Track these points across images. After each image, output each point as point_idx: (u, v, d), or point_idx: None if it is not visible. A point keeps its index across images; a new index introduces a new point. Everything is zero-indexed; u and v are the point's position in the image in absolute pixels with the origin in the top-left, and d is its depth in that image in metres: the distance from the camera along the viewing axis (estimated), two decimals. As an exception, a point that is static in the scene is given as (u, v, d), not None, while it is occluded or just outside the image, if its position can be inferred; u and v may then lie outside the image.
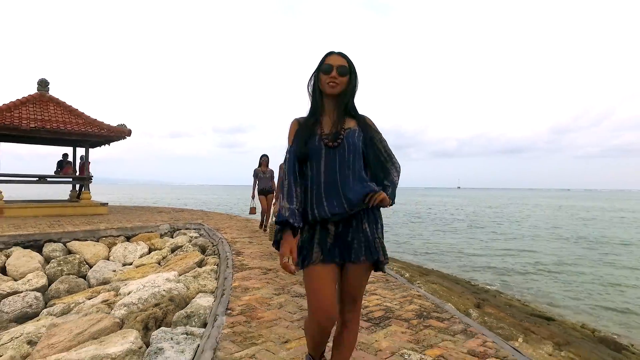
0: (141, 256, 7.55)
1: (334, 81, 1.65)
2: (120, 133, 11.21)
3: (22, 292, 5.88)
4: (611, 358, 4.91)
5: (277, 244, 1.62)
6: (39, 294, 5.97)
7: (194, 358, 2.49)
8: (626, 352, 5.46)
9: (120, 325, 3.57)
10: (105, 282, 6.38)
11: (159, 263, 6.95)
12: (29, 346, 3.71)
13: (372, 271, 1.74)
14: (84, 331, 3.39)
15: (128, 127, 11.29)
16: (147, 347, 2.90)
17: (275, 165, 8.08)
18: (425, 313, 3.25)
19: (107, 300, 4.81)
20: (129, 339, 2.95)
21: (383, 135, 1.80)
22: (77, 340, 3.26)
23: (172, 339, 2.90)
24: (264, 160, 7.95)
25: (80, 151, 12.65)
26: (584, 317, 7.59)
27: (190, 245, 7.43)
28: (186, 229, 9.43)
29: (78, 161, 12.70)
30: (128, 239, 8.36)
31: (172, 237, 8.89)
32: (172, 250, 7.55)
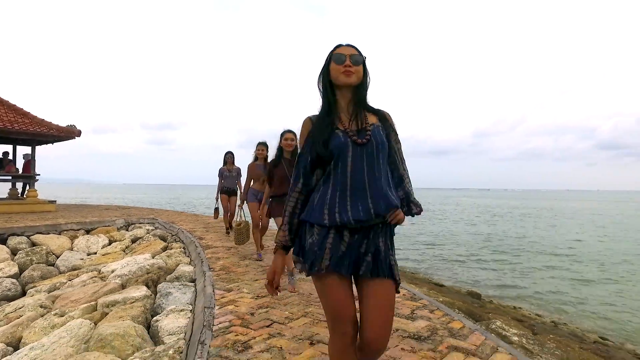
0: (103, 247, 8.44)
1: (349, 69, 1.51)
2: (69, 133, 11.66)
3: (-3, 278, 6.62)
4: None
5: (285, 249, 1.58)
6: (14, 280, 6.75)
7: (195, 296, 3.88)
8: None
9: (124, 287, 4.77)
10: (75, 268, 7.26)
11: (124, 251, 7.94)
12: (43, 309, 4.76)
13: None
14: (98, 290, 4.57)
15: (78, 127, 11.78)
16: (156, 295, 4.21)
17: (243, 163, 7.09)
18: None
19: (94, 277, 5.86)
20: (142, 290, 4.24)
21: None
22: (95, 296, 4.43)
23: (173, 287, 4.23)
24: (229, 157, 7.43)
25: (22, 149, 12.77)
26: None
27: (150, 236, 8.49)
28: (140, 223, 10.32)
29: (21, 159, 12.78)
30: (88, 232, 9.12)
31: (128, 231, 9.77)
32: (133, 241, 8.54)
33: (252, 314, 3.01)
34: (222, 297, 3.44)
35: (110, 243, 8.74)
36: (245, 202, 5.60)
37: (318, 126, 1.53)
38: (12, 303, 5.23)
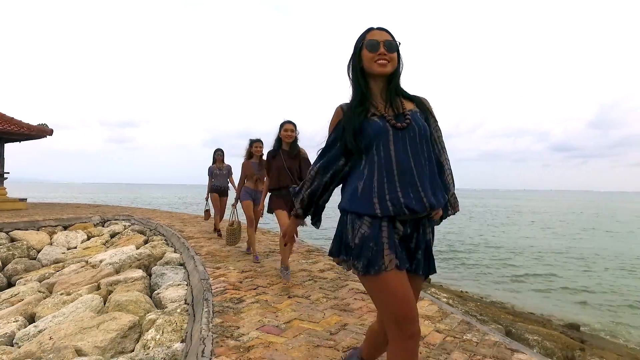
0: (83, 241, 8.84)
1: (384, 58, 1.42)
2: (41, 132, 11.81)
3: (-19, 271, 6.97)
4: None
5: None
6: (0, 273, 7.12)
7: (188, 274, 4.57)
8: None
9: (118, 272, 5.36)
10: (58, 261, 7.68)
11: (104, 245, 8.40)
12: (42, 294, 5.28)
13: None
14: (96, 275, 5.15)
15: (49, 126, 11.92)
16: (151, 277, 4.86)
17: (236, 162, 7.64)
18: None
19: (84, 266, 6.38)
20: (138, 272, 4.89)
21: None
22: (95, 279, 5.02)
23: (166, 269, 4.91)
24: (219, 155, 7.12)
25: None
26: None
27: (129, 231, 8.97)
28: (115, 219, 10.72)
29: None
30: (65, 228, 9.46)
31: (104, 227, 10.15)
32: (112, 236, 8.99)
33: (241, 282, 3.79)
34: (213, 273, 4.18)
35: (89, 238, 9.13)
36: (238, 200, 5.38)
37: (349, 115, 1.44)
38: (5, 291, 5.69)
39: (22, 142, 12.96)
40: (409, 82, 1.55)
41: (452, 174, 1.53)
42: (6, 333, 3.64)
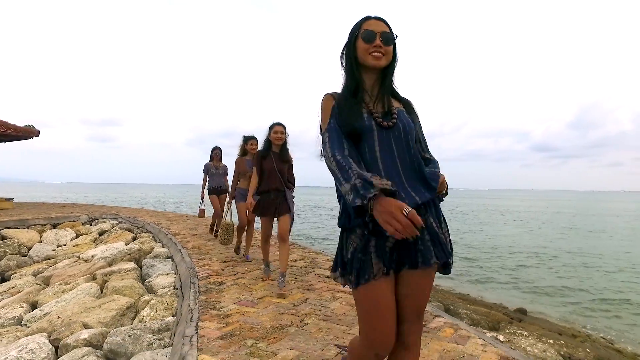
0: (72, 239, 9.26)
1: (379, 51, 1.35)
2: (28, 133, 12.09)
3: (-25, 267, 7.35)
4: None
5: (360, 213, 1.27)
6: (-8, 269, 7.52)
7: (176, 265, 5.13)
8: None
9: (110, 265, 5.87)
10: (48, 258, 8.11)
11: (93, 242, 8.84)
12: (39, 285, 5.75)
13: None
14: (90, 267, 5.66)
15: (36, 127, 12.22)
16: (142, 268, 5.40)
17: (229, 161, 6.78)
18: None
19: (76, 261, 6.85)
20: (130, 264, 5.42)
21: None
22: (89, 271, 5.52)
23: (155, 262, 5.45)
24: (216, 153, 6.89)
25: (-25, 148, 12.90)
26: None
27: (117, 229, 9.43)
28: (103, 218, 11.12)
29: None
30: (54, 226, 9.84)
31: (92, 225, 10.56)
32: (100, 234, 9.43)
33: (223, 270, 4.39)
34: (198, 263, 4.76)
35: (77, 236, 9.54)
36: (233, 200, 5.25)
37: (346, 106, 1.38)
38: (2, 285, 6.13)
39: (6, 142, 13.20)
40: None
41: (438, 166, 1.47)
42: (15, 316, 4.15)
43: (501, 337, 3.27)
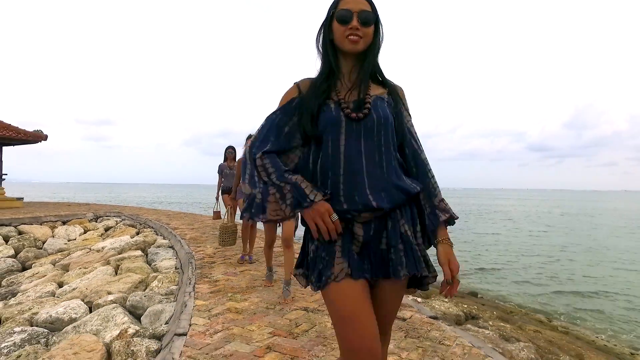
0: (81, 234, 10.31)
1: (356, 33, 1.19)
2: (37, 138, 13.12)
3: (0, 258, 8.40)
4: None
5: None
6: (14, 259, 8.57)
7: (177, 252, 6.20)
8: None
9: (120, 254, 6.92)
10: (61, 250, 9.16)
11: (100, 237, 9.90)
12: (60, 271, 6.80)
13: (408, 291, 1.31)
14: (104, 255, 6.72)
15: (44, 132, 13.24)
16: (147, 256, 6.46)
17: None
18: None
19: (88, 252, 7.90)
20: (138, 252, 6.49)
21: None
22: (103, 258, 6.58)
23: (159, 250, 6.52)
24: (230, 153, 6.74)
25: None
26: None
27: (121, 225, 10.49)
28: (107, 216, 12.17)
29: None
30: (64, 223, 10.89)
31: (98, 222, 11.61)
32: (106, 230, 10.49)
33: (214, 254, 5.48)
34: (194, 249, 5.85)
35: (85, 232, 10.60)
36: (234, 199, 5.25)
37: (310, 94, 1.24)
38: (26, 272, 7.17)
39: (15, 146, 14.20)
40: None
41: (433, 174, 1.32)
42: (49, 291, 5.21)
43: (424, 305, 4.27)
